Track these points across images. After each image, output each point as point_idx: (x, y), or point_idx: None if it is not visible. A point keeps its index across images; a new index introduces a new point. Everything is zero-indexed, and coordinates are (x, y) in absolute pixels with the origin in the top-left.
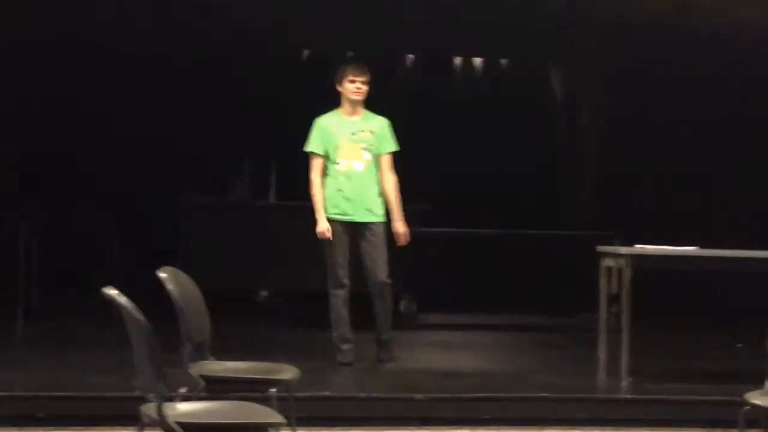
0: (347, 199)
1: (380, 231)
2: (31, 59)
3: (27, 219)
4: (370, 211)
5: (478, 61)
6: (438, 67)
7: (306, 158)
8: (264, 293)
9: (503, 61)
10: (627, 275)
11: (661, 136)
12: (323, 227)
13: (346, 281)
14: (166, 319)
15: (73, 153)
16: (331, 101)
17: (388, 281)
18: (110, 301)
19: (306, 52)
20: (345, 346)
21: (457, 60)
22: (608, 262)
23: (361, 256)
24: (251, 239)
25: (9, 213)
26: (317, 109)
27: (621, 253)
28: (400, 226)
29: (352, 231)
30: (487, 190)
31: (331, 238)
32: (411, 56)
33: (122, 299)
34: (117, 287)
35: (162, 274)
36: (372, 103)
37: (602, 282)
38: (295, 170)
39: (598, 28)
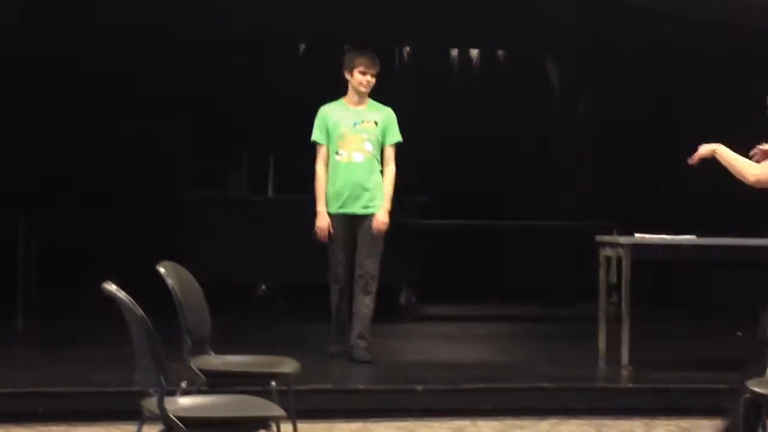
0: (346, 191)
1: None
2: (29, 63)
3: (25, 216)
4: (369, 203)
5: (474, 52)
6: (435, 58)
7: (306, 151)
8: (263, 287)
9: (500, 52)
10: (626, 264)
11: (660, 123)
12: (322, 223)
13: (345, 277)
14: (165, 313)
15: (72, 149)
16: (329, 93)
17: (376, 275)
18: (110, 297)
19: (303, 45)
20: (339, 338)
21: (454, 52)
22: (607, 251)
23: (357, 246)
24: (250, 233)
25: (7, 210)
26: (315, 101)
27: (620, 242)
28: (382, 215)
29: (353, 224)
30: (484, 181)
31: (326, 239)
32: (407, 48)
33: (122, 294)
34: (116, 282)
35: (161, 269)
36: (370, 95)
37: (601, 272)
38: (293, 164)
39: (594, 19)
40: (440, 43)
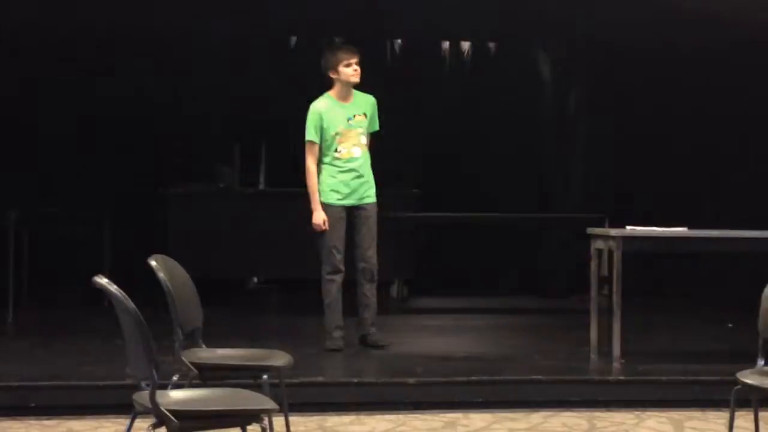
0: (348, 185)
1: (374, 213)
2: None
3: (17, 209)
4: (366, 194)
5: (465, 44)
6: (425, 51)
7: (298, 145)
8: (255, 280)
9: (491, 44)
10: (617, 257)
11: (651, 117)
12: (319, 219)
13: (342, 267)
14: (157, 307)
15: (64, 141)
16: (321, 87)
17: (377, 264)
18: (101, 290)
19: (294, 39)
20: (336, 333)
21: (445, 44)
22: (599, 244)
23: (355, 238)
24: (241, 227)
25: None
26: (306, 95)
27: (611, 234)
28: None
29: (349, 215)
30: (476, 173)
31: (327, 228)
32: (398, 41)
33: (113, 288)
34: (108, 276)
35: (153, 263)
36: (360, 89)
37: (593, 264)
38: (284, 157)
39: (585, 10)
40: (432, 36)
